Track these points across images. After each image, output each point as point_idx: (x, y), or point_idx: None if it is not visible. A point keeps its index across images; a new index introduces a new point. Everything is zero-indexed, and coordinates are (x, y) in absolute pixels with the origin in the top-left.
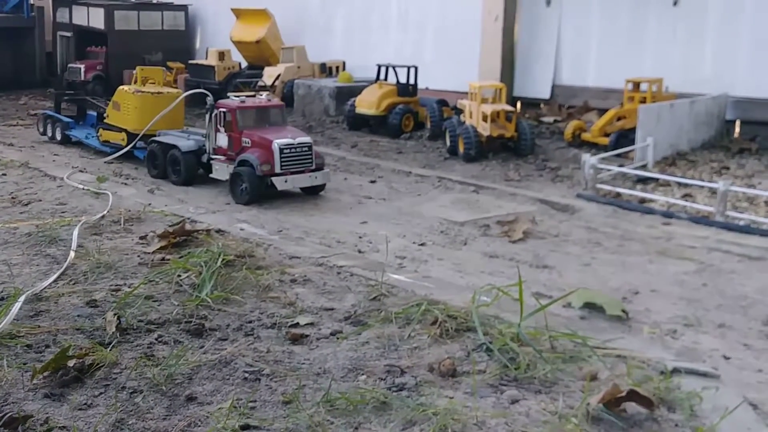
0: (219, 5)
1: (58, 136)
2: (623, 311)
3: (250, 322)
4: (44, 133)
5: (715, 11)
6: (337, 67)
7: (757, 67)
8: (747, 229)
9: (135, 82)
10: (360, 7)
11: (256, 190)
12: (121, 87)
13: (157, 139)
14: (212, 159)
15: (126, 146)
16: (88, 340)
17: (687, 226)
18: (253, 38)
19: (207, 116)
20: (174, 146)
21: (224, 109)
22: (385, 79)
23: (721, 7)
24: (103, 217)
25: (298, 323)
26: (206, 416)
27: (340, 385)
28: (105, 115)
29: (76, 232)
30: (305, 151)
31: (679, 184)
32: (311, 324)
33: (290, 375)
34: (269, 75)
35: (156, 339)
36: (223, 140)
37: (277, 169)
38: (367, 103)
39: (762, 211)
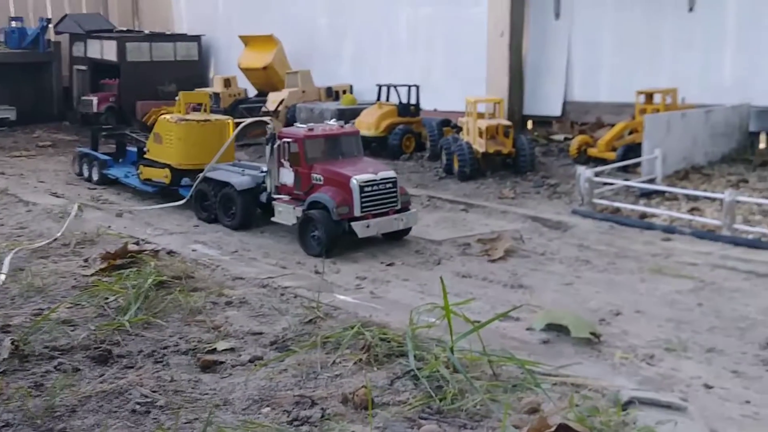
0: (232, 35)
1: (95, 176)
2: (593, 333)
3: (165, 347)
4: (80, 174)
5: (734, 16)
6: (344, 91)
7: None
8: (756, 244)
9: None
10: (368, 31)
11: (331, 237)
12: (162, 116)
13: (207, 175)
14: (274, 199)
15: (181, 194)
16: None
17: (689, 241)
18: (260, 64)
19: (267, 148)
20: (227, 184)
21: (289, 139)
22: (387, 99)
23: (740, 11)
24: (54, 240)
25: (215, 349)
26: None
27: (238, 417)
28: (145, 149)
29: (8, 258)
30: (389, 188)
31: (687, 197)
32: (231, 350)
33: (185, 407)
34: (273, 100)
35: (54, 367)
36: (288, 177)
37: (357, 212)
38: (366, 125)
39: None
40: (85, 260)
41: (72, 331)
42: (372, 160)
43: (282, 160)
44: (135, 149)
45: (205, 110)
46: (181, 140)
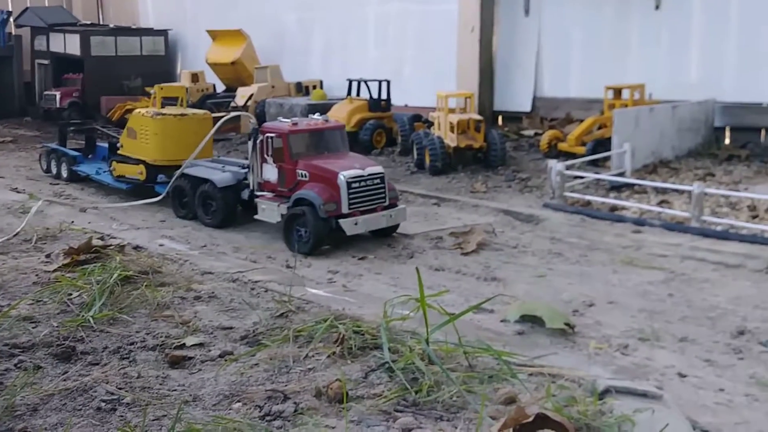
0: (199, 29)
1: (64, 173)
2: (567, 324)
3: (132, 343)
4: (48, 171)
5: (700, 14)
6: (314, 86)
7: (746, 70)
8: (725, 235)
9: (153, 103)
10: (337, 26)
11: (319, 236)
12: (137, 110)
13: (185, 171)
14: (257, 196)
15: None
16: None
17: (659, 233)
18: (228, 59)
19: (250, 143)
20: (206, 180)
21: (272, 134)
22: (357, 94)
23: (705, 9)
24: (15, 235)
25: (184, 344)
26: None
27: (208, 413)
28: (119, 145)
29: None
30: (377, 183)
31: (656, 190)
32: (200, 345)
33: (153, 403)
34: (242, 95)
35: (14, 365)
36: (271, 173)
37: (345, 209)
38: (336, 120)
39: (744, 216)
40: (47, 256)
41: (33, 327)
42: (358, 156)
43: (265, 156)
44: (106, 145)
45: (181, 104)
46: (158, 135)
